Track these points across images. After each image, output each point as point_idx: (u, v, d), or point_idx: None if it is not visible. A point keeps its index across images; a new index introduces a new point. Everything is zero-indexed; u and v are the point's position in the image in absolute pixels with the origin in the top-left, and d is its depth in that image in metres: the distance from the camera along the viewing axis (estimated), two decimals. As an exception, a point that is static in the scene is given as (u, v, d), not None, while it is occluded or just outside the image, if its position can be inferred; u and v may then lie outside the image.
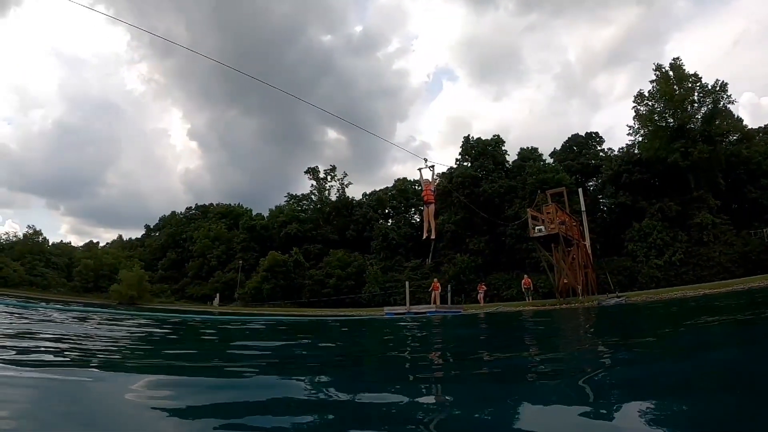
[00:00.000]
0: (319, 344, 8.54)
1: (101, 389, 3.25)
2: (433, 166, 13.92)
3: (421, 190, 14.35)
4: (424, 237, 13.95)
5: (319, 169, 74.52)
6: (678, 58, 43.54)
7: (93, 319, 10.90)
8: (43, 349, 5.11)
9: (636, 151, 46.11)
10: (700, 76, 42.31)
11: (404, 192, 63.94)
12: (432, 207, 13.63)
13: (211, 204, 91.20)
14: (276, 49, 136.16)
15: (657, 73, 44.20)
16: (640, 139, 45.80)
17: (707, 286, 25.66)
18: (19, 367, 3.81)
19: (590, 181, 51.13)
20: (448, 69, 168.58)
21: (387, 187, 68.78)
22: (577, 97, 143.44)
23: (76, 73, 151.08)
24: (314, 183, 74.21)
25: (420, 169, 14.33)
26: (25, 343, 5.64)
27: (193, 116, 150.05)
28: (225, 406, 2.89)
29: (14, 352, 4.67)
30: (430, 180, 13.86)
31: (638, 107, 45.15)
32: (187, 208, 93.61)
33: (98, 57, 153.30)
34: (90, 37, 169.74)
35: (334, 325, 14.20)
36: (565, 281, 27.94)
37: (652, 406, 2.89)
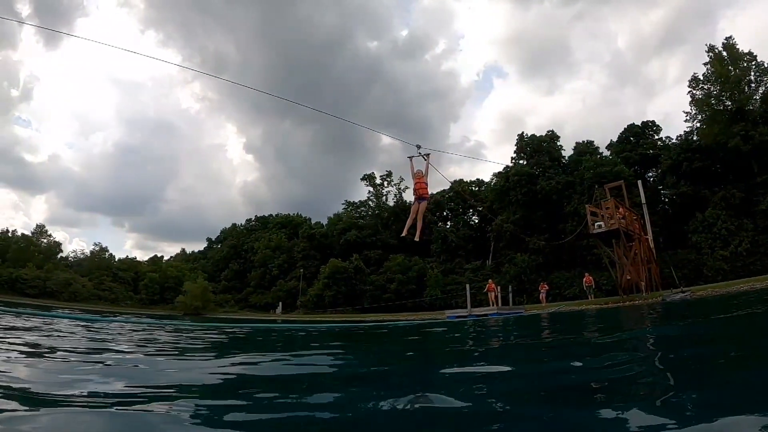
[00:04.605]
0: (389, 347, 9.92)
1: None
2: (428, 155, 11.95)
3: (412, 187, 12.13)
4: (404, 234, 12.37)
5: (375, 175, 76.90)
6: (731, 37, 43.69)
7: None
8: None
9: (695, 138, 46.02)
10: (755, 54, 42.50)
11: (461, 193, 64.78)
12: (424, 204, 11.69)
13: (271, 215, 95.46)
14: (324, 60, 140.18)
15: (710, 54, 44.23)
16: (698, 124, 45.71)
17: (775, 277, 25.47)
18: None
19: (649, 172, 50.84)
20: (497, 66, 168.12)
21: (444, 190, 68.66)
22: (631, 85, 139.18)
23: (132, 97, 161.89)
24: (371, 189, 76.58)
25: (410, 158, 12.12)
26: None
27: (248, 130, 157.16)
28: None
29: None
30: (423, 171, 11.80)
31: (694, 92, 45.19)
32: (247, 220, 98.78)
33: (153, 80, 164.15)
34: (144, 62, 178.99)
35: (397, 330, 14.92)
36: (628, 277, 27.85)
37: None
